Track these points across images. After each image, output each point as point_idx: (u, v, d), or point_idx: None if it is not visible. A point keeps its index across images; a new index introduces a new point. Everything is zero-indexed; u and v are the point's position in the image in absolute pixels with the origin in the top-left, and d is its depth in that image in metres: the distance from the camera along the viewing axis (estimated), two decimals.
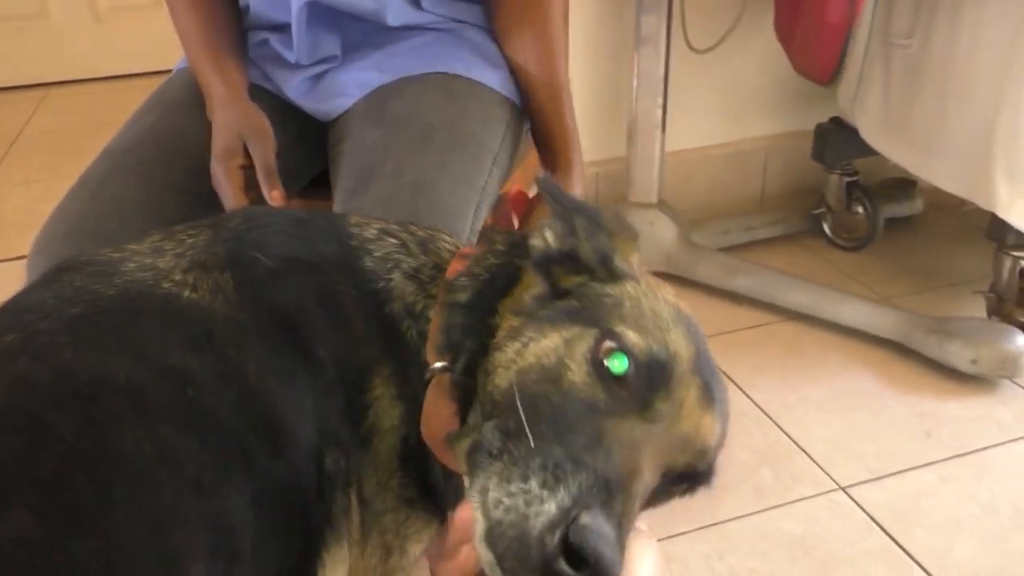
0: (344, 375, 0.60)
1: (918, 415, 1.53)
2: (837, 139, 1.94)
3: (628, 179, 1.94)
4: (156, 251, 0.62)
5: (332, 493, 0.57)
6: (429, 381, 0.61)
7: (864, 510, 1.33)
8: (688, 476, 0.56)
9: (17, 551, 0.41)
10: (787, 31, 1.87)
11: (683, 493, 0.59)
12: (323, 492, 0.57)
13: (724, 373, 1.68)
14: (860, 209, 2.02)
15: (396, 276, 0.65)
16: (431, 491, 0.62)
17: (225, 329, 0.57)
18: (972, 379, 1.59)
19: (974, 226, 1.86)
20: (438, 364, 0.61)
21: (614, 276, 0.61)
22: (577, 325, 0.56)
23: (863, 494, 1.36)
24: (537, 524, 0.44)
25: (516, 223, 1.05)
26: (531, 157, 1.22)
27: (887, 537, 1.28)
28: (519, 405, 0.52)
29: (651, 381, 0.54)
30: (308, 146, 1.09)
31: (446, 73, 1.06)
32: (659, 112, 1.85)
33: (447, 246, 0.70)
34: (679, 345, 0.56)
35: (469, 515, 0.49)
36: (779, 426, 1.51)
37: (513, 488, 0.46)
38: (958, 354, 1.59)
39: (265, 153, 0.95)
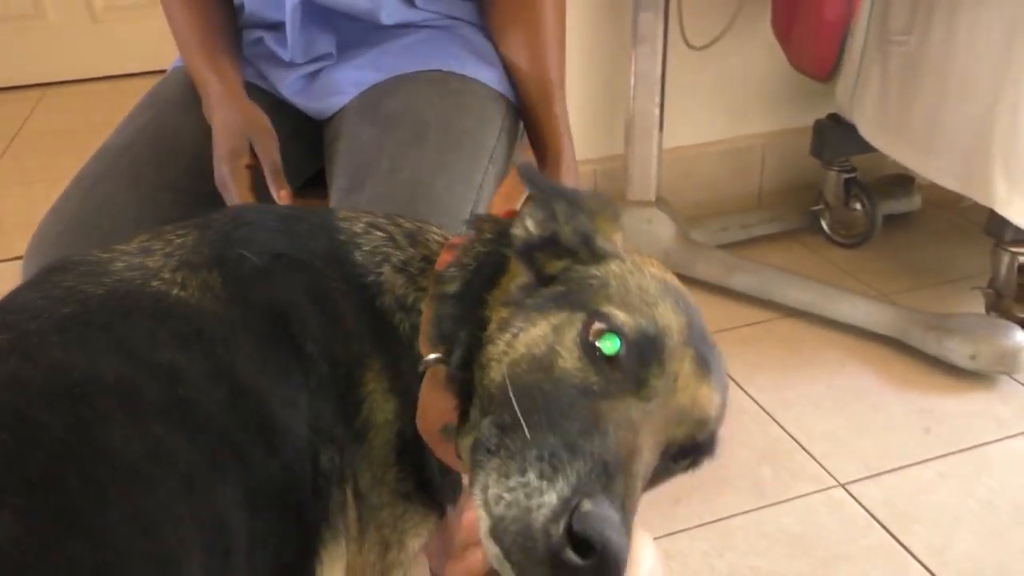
0: (336, 370, 0.60)
1: (917, 411, 1.53)
2: (835, 136, 1.94)
3: (626, 177, 1.93)
4: (144, 251, 0.62)
5: (328, 490, 0.57)
6: (423, 374, 0.61)
7: (863, 507, 1.33)
8: (690, 449, 0.55)
9: (11, 551, 0.41)
10: (784, 28, 1.87)
11: (687, 468, 0.58)
12: (319, 489, 0.57)
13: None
14: (858, 206, 2.01)
15: (386, 269, 0.65)
16: (428, 485, 0.62)
17: (215, 327, 0.57)
18: (971, 375, 1.59)
19: (972, 222, 1.86)
20: (432, 356, 0.61)
21: (598, 257, 0.61)
22: (564, 310, 0.56)
23: (862, 491, 1.36)
24: (540, 516, 0.44)
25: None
26: (528, 154, 1.22)
27: (886, 533, 1.28)
28: (512, 398, 0.52)
29: (643, 358, 0.53)
30: (303, 145, 1.09)
31: (441, 71, 1.06)
32: (656, 110, 1.85)
33: (436, 237, 0.70)
34: (668, 318, 0.56)
35: (475, 516, 0.49)
36: (778, 423, 1.51)
37: (512, 483, 0.46)
38: (957, 350, 1.58)
39: (271, 153, 0.96)
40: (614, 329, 0.54)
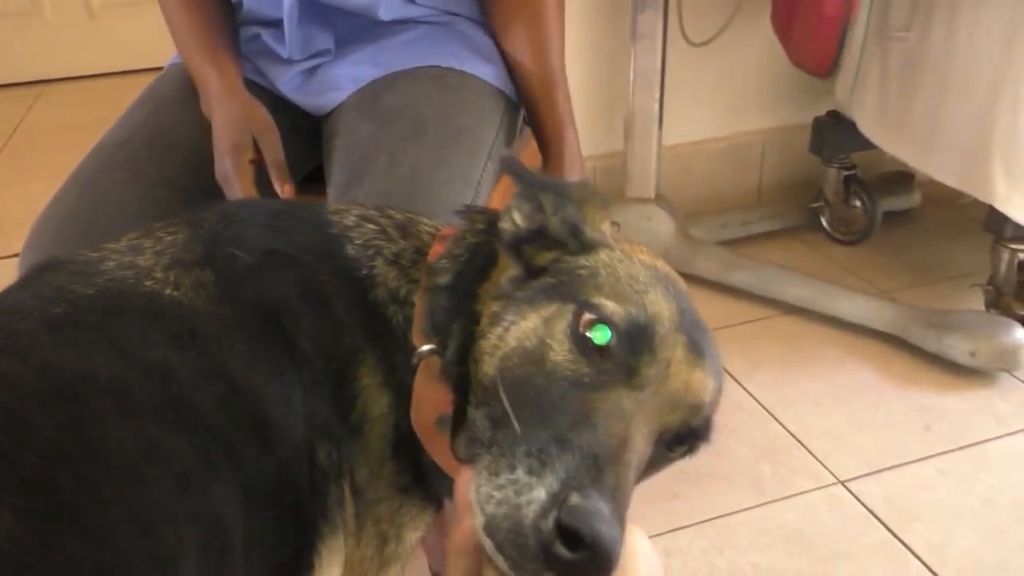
0: (330, 366, 0.60)
1: (917, 409, 1.53)
2: (835, 133, 1.93)
3: (625, 174, 1.93)
4: (135, 249, 0.62)
5: (326, 485, 0.57)
6: (417, 366, 0.61)
7: (863, 504, 1.33)
8: (685, 435, 0.55)
9: (11, 551, 0.41)
10: (784, 24, 1.87)
11: (684, 454, 0.58)
12: (316, 485, 0.57)
13: (722, 367, 1.66)
14: (858, 203, 2.01)
15: (378, 263, 0.65)
16: (425, 478, 0.62)
17: (208, 326, 0.57)
18: (971, 372, 1.59)
19: (972, 219, 1.86)
20: (425, 347, 0.61)
21: (586, 246, 0.60)
22: (555, 302, 0.56)
23: (862, 488, 1.36)
24: (529, 513, 0.44)
25: None
26: (528, 150, 1.21)
27: (886, 531, 1.28)
28: (503, 393, 0.52)
29: (634, 347, 0.53)
30: (301, 141, 1.09)
31: (439, 66, 1.06)
32: (656, 106, 1.84)
33: (427, 228, 0.70)
34: (659, 305, 0.56)
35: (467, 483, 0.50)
36: (778, 420, 1.51)
37: (501, 480, 0.46)
38: (957, 347, 1.58)
39: (275, 148, 0.96)
40: (604, 319, 0.53)
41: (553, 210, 0.61)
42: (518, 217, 0.62)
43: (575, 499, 0.43)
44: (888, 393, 1.57)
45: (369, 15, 1.08)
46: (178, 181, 0.97)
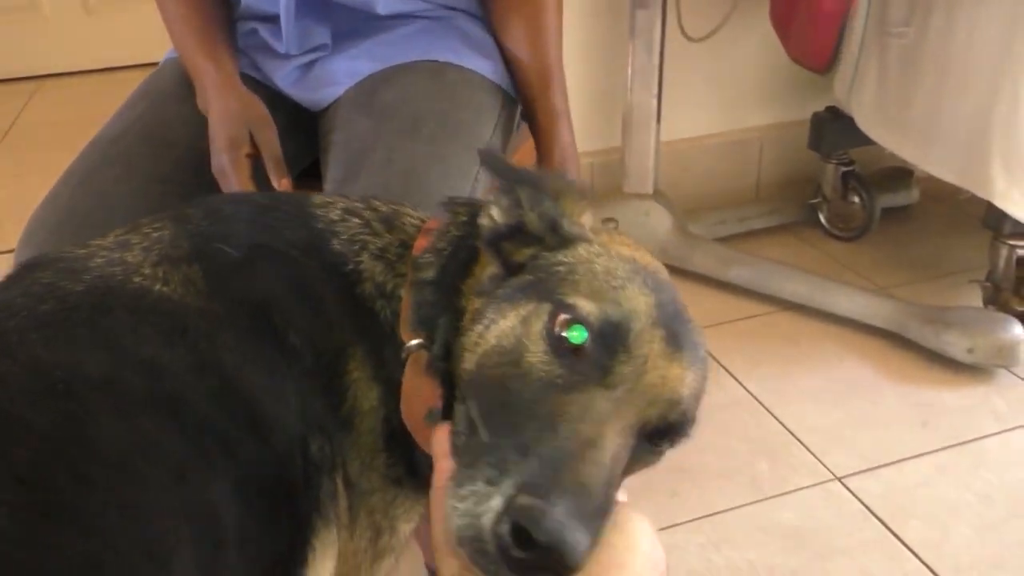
0: (320, 360, 0.60)
1: (914, 405, 1.53)
2: (833, 129, 1.93)
3: (623, 170, 1.93)
4: (122, 245, 0.62)
5: (318, 479, 0.57)
6: (406, 360, 0.61)
7: (860, 500, 1.33)
8: (664, 430, 0.55)
9: (3, 545, 0.41)
10: (783, 19, 1.86)
11: (666, 448, 0.58)
12: (309, 478, 0.57)
13: (720, 364, 1.66)
14: (856, 199, 2.01)
15: (364, 257, 0.65)
16: (417, 471, 0.62)
17: (199, 322, 0.57)
18: (968, 368, 1.59)
19: (970, 215, 1.86)
20: (414, 342, 0.61)
21: (564, 241, 0.60)
22: (532, 301, 0.56)
23: (859, 484, 1.36)
24: (487, 521, 0.45)
25: None
26: (526, 145, 1.21)
27: (883, 527, 1.28)
28: (472, 403, 0.53)
29: (609, 345, 0.54)
30: (298, 136, 1.08)
31: (437, 61, 1.05)
32: (654, 102, 1.84)
33: (412, 221, 0.70)
34: (635, 301, 0.56)
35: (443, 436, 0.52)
36: (775, 416, 1.51)
37: (464, 491, 0.47)
38: (955, 343, 1.58)
39: (272, 142, 0.95)
40: (579, 319, 0.54)
41: (530, 205, 0.61)
42: (496, 213, 0.62)
43: (523, 499, 0.45)
44: (886, 389, 1.57)
45: (366, 9, 1.07)
46: (174, 176, 0.97)
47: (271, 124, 0.97)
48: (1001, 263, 1.66)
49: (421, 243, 0.66)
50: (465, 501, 0.47)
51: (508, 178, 0.63)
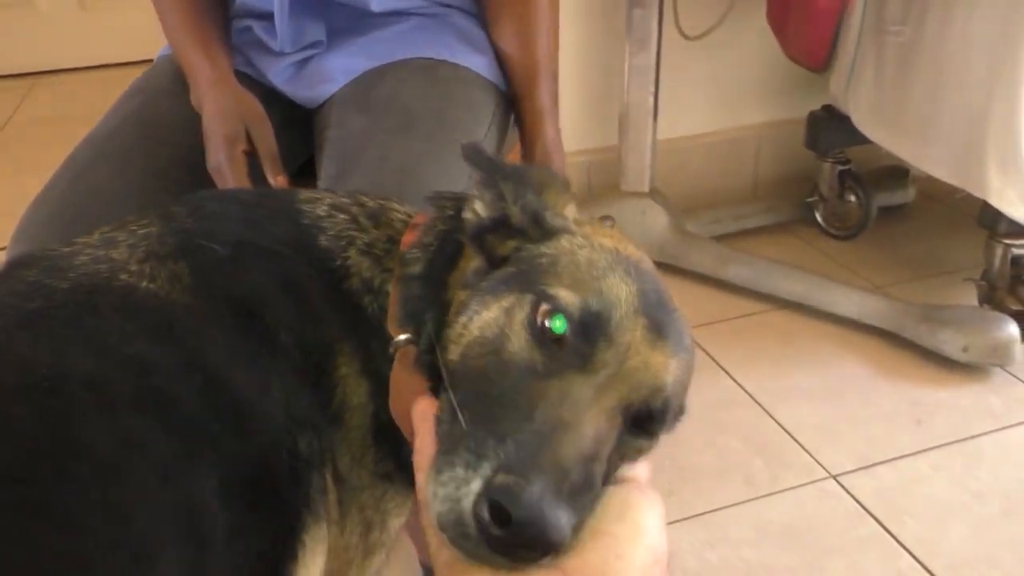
0: (308, 356, 0.60)
1: (909, 403, 1.53)
2: (829, 127, 1.93)
3: (620, 168, 1.93)
4: (108, 243, 0.62)
5: (307, 475, 0.57)
6: (394, 355, 0.61)
7: (855, 498, 1.33)
8: (645, 416, 0.55)
9: None
10: (779, 17, 1.86)
11: (653, 436, 0.58)
12: (298, 475, 0.57)
13: (716, 362, 1.66)
14: (852, 197, 2.01)
15: (352, 253, 0.66)
16: (407, 465, 0.62)
17: (186, 318, 0.57)
18: (963, 367, 1.59)
19: (966, 214, 1.86)
20: (401, 337, 0.61)
21: (547, 233, 0.61)
22: (514, 292, 0.57)
23: (854, 482, 1.36)
24: (467, 504, 0.46)
25: None
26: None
27: (878, 525, 1.28)
28: (450, 391, 0.54)
29: (590, 334, 0.54)
30: (293, 134, 1.08)
31: (431, 58, 1.05)
32: (651, 100, 1.84)
33: (399, 216, 0.70)
34: (616, 290, 0.56)
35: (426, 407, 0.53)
36: (770, 415, 1.51)
37: (444, 477, 0.48)
38: (950, 342, 1.58)
39: (268, 139, 0.95)
40: (559, 309, 0.54)
41: (513, 198, 0.61)
42: (480, 206, 0.63)
43: (500, 478, 0.45)
44: (881, 388, 1.58)
45: (361, 7, 1.07)
46: (168, 173, 0.96)
47: (267, 121, 0.97)
48: (996, 262, 1.66)
49: (408, 238, 0.66)
50: (446, 486, 0.47)
51: (491, 172, 0.63)
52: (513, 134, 1.19)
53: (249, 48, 1.11)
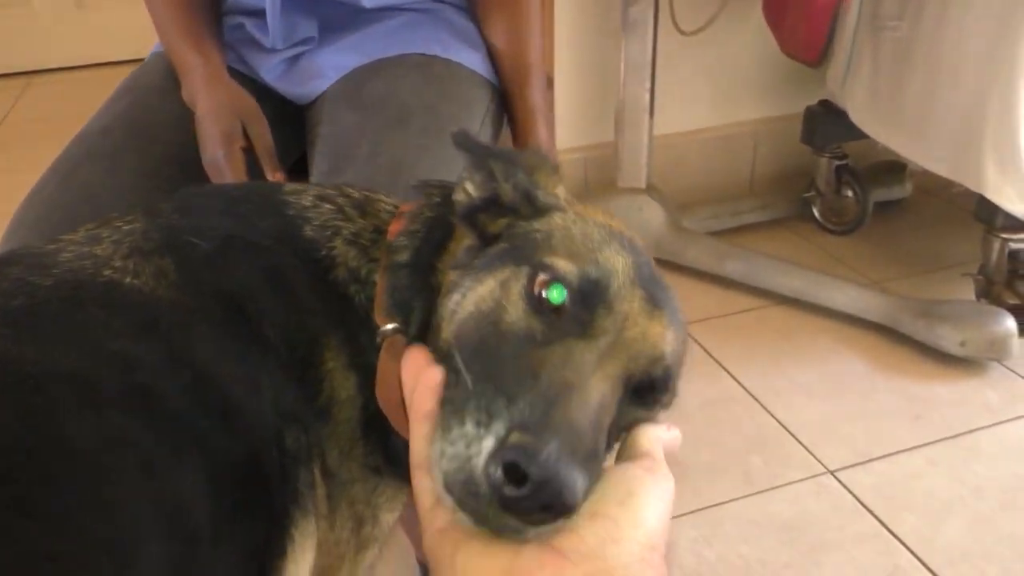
0: (295, 350, 0.60)
1: (907, 398, 1.53)
2: (826, 122, 1.93)
3: (616, 164, 1.92)
4: (92, 239, 0.62)
5: (295, 470, 0.57)
6: (381, 345, 0.61)
7: (853, 494, 1.33)
8: (647, 385, 0.55)
9: None
10: (775, 12, 1.86)
11: (652, 407, 0.58)
12: (286, 470, 0.56)
13: (713, 358, 1.65)
14: (849, 193, 2.01)
15: (337, 243, 0.65)
16: (397, 458, 0.62)
17: (171, 314, 0.56)
18: (961, 362, 1.59)
19: (963, 209, 1.86)
20: (389, 326, 0.61)
21: (539, 210, 0.61)
22: (509, 266, 0.57)
23: (852, 478, 1.36)
24: (479, 462, 0.45)
25: None
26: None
27: (875, 520, 1.28)
28: (456, 351, 0.53)
29: (589, 302, 0.54)
30: (285, 131, 1.08)
31: (424, 54, 1.05)
32: (647, 96, 1.83)
33: (386, 206, 0.70)
34: (613, 261, 0.56)
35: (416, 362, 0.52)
36: (768, 410, 1.51)
37: (453, 435, 0.47)
38: (947, 337, 1.58)
39: (265, 135, 0.95)
40: (558, 278, 0.54)
41: (504, 177, 0.61)
42: (470, 187, 0.63)
43: (515, 437, 0.44)
44: (879, 383, 1.57)
45: (353, 3, 1.07)
46: (160, 171, 0.96)
47: (262, 117, 0.97)
48: (993, 256, 1.66)
49: (395, 227, 0.66)
50: (454, 444, 0.46)
51: (481, 154, 0.63)
52: (507, 132, 1.19)
53: (241, 45, 1.10)
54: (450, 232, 0.64)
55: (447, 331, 0.57)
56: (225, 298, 0.59)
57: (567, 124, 1.99)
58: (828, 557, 1.23)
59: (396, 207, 0.69)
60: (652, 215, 1.89)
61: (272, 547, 0.54)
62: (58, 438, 0.46)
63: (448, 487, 0.46)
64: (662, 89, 1.87)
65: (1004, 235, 1.63)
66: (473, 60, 1.07)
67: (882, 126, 1.74)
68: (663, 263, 1.88)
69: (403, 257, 0.63)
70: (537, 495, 0.43)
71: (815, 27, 1.75)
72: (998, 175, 1.50)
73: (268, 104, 1.04)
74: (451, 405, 0.49)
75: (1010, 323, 1.57)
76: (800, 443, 1.43)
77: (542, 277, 0.54)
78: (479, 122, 1.03)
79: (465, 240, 0.62)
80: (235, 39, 1.10)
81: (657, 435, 0.54)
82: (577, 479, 0.44)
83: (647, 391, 0.55)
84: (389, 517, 0.64)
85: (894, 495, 1.32)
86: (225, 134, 0.93)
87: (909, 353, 1.63)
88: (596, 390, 0.50)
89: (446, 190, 0.66)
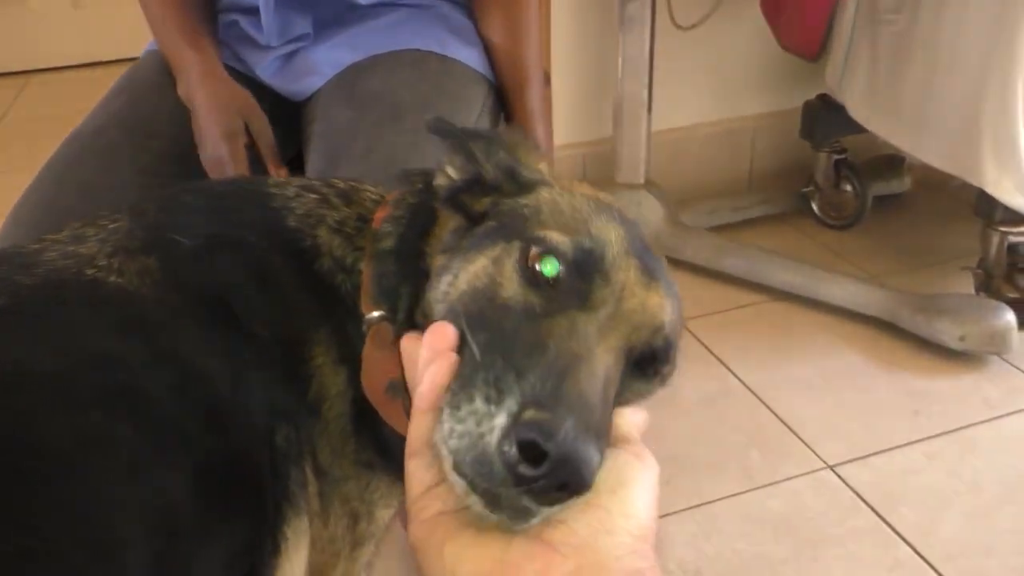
0: (282, 347, 0.59)
1: (906, 393, 1.53)
2: (825, 117, 1.92)
3: (615, 160, 1.92)
4: (77, 239, 0.62)
5: (286, 468, 0.57)
6: (367, 333, 0.60)
7: (851, 488, 1.33)
8: (648, 356, 0.55)
9: None
10: (773, 6, 1.85)
11: (652, 379, 0.57)
12: (277, 468, 0.56)
13: (712, 353, 1.65)
14: (848, 187, 2.00)
15: (322, 231, 0.65)
16: (388, 452, 0.61)
17: (155, 313, 0.56)
18: (960, 356, 1.59)
19: (962, 202, 1.85)
20: (375, 314, 0.60)
21: (524, 186, 0.60)
22: (500, 243, 0.56)
23: (850, 472, 1.36)
24: (492, 440, 0.43)
25: None
26: None
27: (874, 515, 1.28)
28: (462, 321, 0.51)
29: (585, 272, 0.53)
30: (281, 128, 1.07)
31: (420, 50, 1.05)
32: (645, 92, 1.83)
33: (371, 196, 0.69)
34: (606, 231, 0.55)
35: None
36: (767, 406, 1.51)
37: (463, 413, 0.45)
38: (946, 331, 1.58)
39: (267, 131, 0.95)
40: (551, 250, 0.53)
41: (485, 157, 0.61)
42: (451, 170, 0.62)
43: (530, 413, 0.43)
44: (878, 378, 1.57)
45: None
46: (156, 168, 0.96)
47: (261, 113, 0.97)
48: (992, 250, 1.65)
49: (380, 215, 0.65)
50: (464, 422, 0.45)
51: (459, 136, 0.62)
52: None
53: (236, 42, 1.10)
54: (434, 217, 0.64)
55: (440, 312, 0.55)
56: (210, 295, 0.58)
57: (565, 120, 1.98)
58: (827, 552, 1.23)
59: (382, 196, 0.69)
60: (651, 211, 1.89)
61: (265, 545, 0.54)
62: (35, 439, 0.46)
63: (458, 468, 0.45)
64: (660, 85, 1.86)
65: (1003, 229, 1.62)
66: (469, 56, 1.07)
67: (881, 120, 1.74)
68: None
69: (388, 244, 0.63)
70: (556, 473, 0.42)
71: (813, 21, 1.75)
72: (996, 168, 1.50)
73: (263, 101, 1.04)
74: (459, 381, 0.48)
75: (1009, 317, 1.56)
76: (799, 438, 1.43)
77: (535, 250, 0.53)
78: (474, 118, 1.03)
79: (451, 223, 0.61)
80: (230, 36, 1.10)
81: (634, 419, 0.52)
82: (594, 456, 0.43)
83: (648, 363, 0.55)
84: (385, 513, 0.63)
85: (893, 490, 1.32)
86: (227, 131, 0.93)
87: (908, 348, 1.63)
88: (602, 362, 0.49)
89: (428, 176, 0.66)
